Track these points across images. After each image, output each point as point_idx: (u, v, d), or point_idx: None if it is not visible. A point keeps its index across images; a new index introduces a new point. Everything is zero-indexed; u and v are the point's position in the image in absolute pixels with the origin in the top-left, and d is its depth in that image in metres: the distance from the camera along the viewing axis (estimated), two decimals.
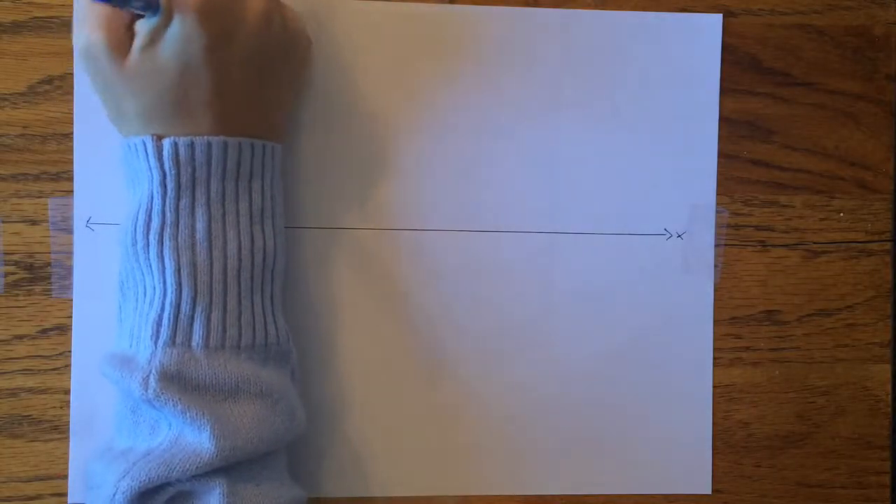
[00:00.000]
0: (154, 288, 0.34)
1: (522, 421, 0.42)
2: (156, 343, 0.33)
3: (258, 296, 0.36)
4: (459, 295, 0.42)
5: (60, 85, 0.40)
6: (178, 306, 0.33)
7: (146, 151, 0.33)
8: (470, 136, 0.42)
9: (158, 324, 0.33)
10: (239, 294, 0.35)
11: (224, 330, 0.34)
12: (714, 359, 0.43)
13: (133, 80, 0.33)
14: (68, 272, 0.41)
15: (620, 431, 0.43)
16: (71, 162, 0.40)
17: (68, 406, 0.41)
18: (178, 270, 0.33)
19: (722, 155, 0.43)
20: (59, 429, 0.41)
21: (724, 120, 0.43)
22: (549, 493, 0.43)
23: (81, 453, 0.40)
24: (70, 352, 0.41)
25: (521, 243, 0.42)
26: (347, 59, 0.41)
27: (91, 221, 0.41)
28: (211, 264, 0.34)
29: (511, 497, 0.43)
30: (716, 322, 0.43)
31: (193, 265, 0.34)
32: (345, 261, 0.42)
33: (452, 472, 0.42)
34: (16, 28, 0.40)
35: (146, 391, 0.32)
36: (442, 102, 0.42)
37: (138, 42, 0.33)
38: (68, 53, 0.40)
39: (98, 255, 0.40)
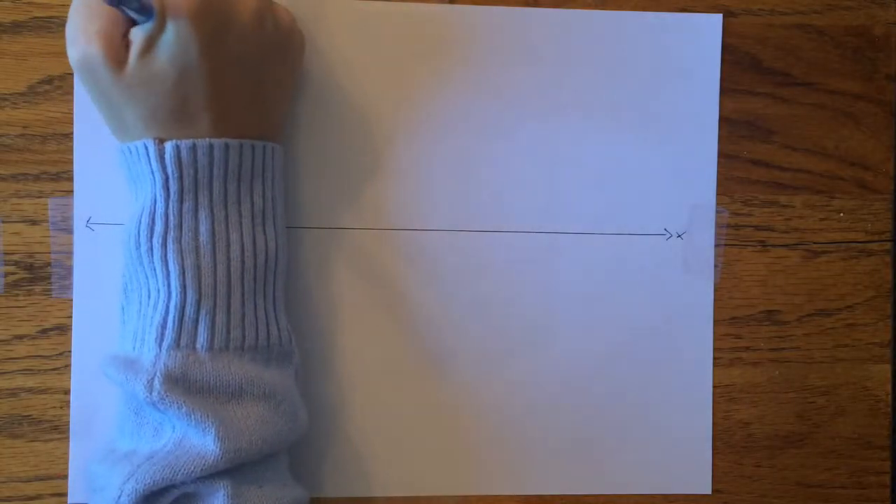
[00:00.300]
0: (158, 291, 0.34)
1: (522, 421, 0.42)
2: (160, 346, 0.33)
3: (261, 297, 0.36)
4: (459, 295, 0.42)
5: (60, 85, 0.40)
6: (182, 309, 0.33)
7: (148, 155, 0.33)
8: (470, 136, 0.42)
9: (163, 326, 0.33)
10: (242, 296, 0.35)
11: (228, 332, 0.34)
12: (714, 359, 0.43)
13: (132, 89, 0.33)
14: (68, 272, 0.41)
15: (620, 431, 0.43)
16: (71, 162, 0.40)
17: (68, 406, 0.41)
18: (183, 274, 0.33)
19: (722, 155, 0.43)
20: (59, 429, 0.41)
21: (724, 120, 0.43)
22: (549, 493, 0.43)
23: (81, 453, 0.40)
24: (70, 352, 0.41)
25: (521, 243, 0.42)
26: (347, 59, 0.41)
27: (91, 221, 0.40)
28: (215, 267, 0.34)
29: (511, 497, 0.43)
30: (716, 322, 0.43)
31: (197, 268, 0.34)
32: (345, 261, 0.42)
33: (452, 472, 0.42)
34: (16, 28, 0.40)
35: (150, 394, 0.32)
36: (442, 102, 0.42)
37: (134, 50, 0.33)
38: None
39: (98, 255, 0.40)
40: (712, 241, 0.43)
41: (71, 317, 0.41)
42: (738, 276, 0.43)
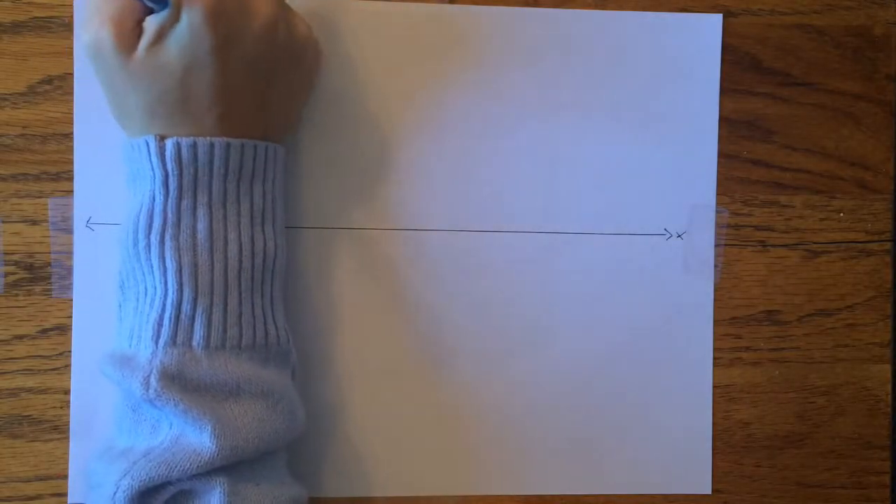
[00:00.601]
0: (155, 288, 0.34)
1: (522, 421, 0.42)
2: (156, 343, 0.33)
3: (258, 296, 0.36)
4: (459, 295, 0.42)
5: (60, 85, 0.40)
6: (178, 306, 0.33)
7: (149, 151, 0.34)
8: (470, 136, 0.42)
9: (159, 324, 0.33)
10: (240, 294, 0.35)
11: (225, 330, 0.34)
12: (714, 359, 0.43)
13: (138, 76, 0.33)
14: (68, 272, 0.41)
15: (620, 431, 0.43)
16: (71, 162, 0.40)
17: (68, 406, 0.41)
18: (180, 271, 0.33)
19: (722, 155, 0.43)
20: (59, 429, 0.41)
21: (724, 120, 0.43)
22: (549, 493, 0.43)
23: (81, 453, 0.40)
24: (70, 352, 0.41)
25: (521, 243, 0.42)
26: (347, 58, 0.41)
27: (91, 221, 0.41)
28: (212, 265, 0.34)
29: (511, 497, 0.43)
30: (716, 322, 0.43)
31: (195, 266, 0.34)
32: (345, 261, 0.42)
33: (452, 472, 0.42)
34: (16, 28, 0.40)
35: (147, 391, 0.32)
36: (442, 102, 0.42)
37: (145, 39, 0.33)
38: (68, 53, 0.40)
39: (98, 255, 0.40)
40: (712, 241, 0.43)
41: (71, 317, 0.41)
42: (738, 276, 0.43)
